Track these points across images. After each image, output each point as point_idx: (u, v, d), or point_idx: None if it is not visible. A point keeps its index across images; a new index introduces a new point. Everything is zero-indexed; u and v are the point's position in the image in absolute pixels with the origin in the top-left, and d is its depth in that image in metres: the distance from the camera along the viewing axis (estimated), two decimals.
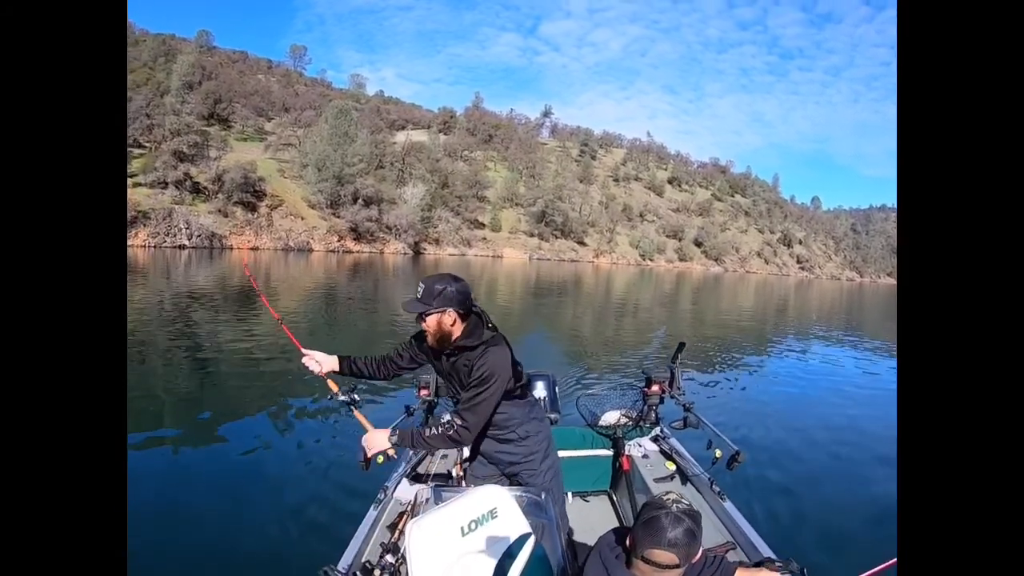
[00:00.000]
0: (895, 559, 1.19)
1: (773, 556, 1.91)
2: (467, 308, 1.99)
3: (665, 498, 1.45)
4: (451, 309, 1.96)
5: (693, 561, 1.43)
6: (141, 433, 4.75)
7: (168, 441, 4.76)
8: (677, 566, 1.39)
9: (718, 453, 2.52)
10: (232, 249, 32.99)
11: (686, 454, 2.95)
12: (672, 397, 3.06)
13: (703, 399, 6.08)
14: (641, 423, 3.14)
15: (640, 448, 3.11)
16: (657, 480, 2.82)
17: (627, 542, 1.47)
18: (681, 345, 3.26)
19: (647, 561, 1.40)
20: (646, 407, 3.12)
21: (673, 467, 2.90)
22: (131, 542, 1.12)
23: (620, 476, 3.00)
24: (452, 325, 2.00)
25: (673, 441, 3.08)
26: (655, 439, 3.16)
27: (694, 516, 1.42)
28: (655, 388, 3.07)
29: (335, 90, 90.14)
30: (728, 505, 2.42)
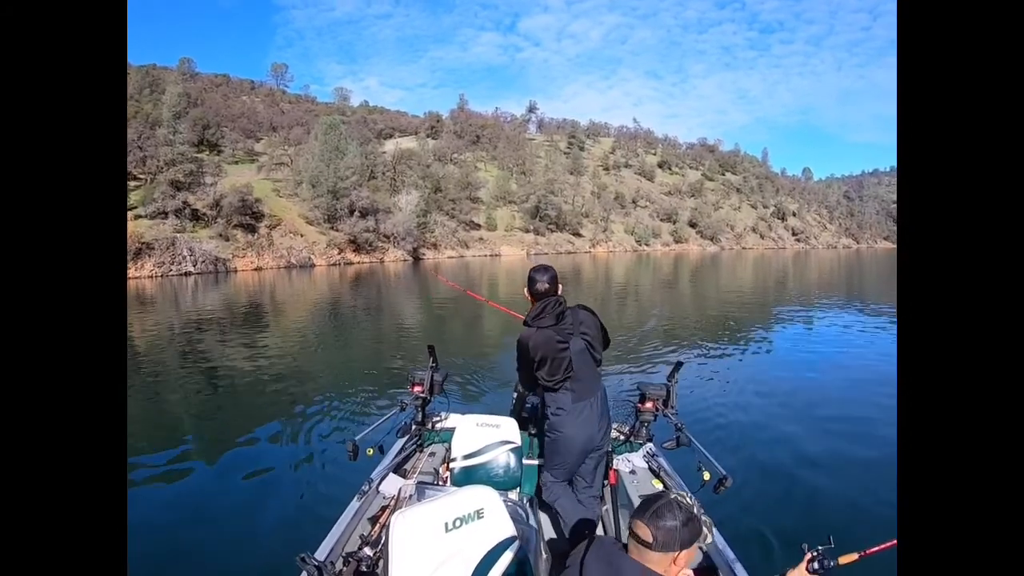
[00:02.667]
0: (895, 540, 1.18)
1: None
2: (534, 290, 2.46)
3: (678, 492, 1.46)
4: (526, 289, 2.50)
5: (674, 558, 1.36)
6: (146, 442, 5.05)
7: (170, 447, 5.05)
8: (649, 545, 1.35)
9: (707, 476, 2.49)
10: (237, 272, 33.53)
11: (674, 474, 2.89)
12: (665, 416, 3.02)
13: (696, 411, 5.82)
14: (632, 439, 3.12)
15: (628, 463, 3.08)
16: (642, 497, 2.80)
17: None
18: (678, 364, 3.23)
19: (631, 534, 1.39)
20: (638, 423, 3.11)
21: (660, 486, 2.85)
22: (130, 537, 1.18)
23: (606, 490, 2.95)
24: (529, 303, 2.53)
25: (662, 460, 3.03)
26: (645, 456, 3.12)
27: (690, 516, 1.38)
28: (649, 405, 3.05)
29: (320, 104, 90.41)
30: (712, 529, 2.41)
